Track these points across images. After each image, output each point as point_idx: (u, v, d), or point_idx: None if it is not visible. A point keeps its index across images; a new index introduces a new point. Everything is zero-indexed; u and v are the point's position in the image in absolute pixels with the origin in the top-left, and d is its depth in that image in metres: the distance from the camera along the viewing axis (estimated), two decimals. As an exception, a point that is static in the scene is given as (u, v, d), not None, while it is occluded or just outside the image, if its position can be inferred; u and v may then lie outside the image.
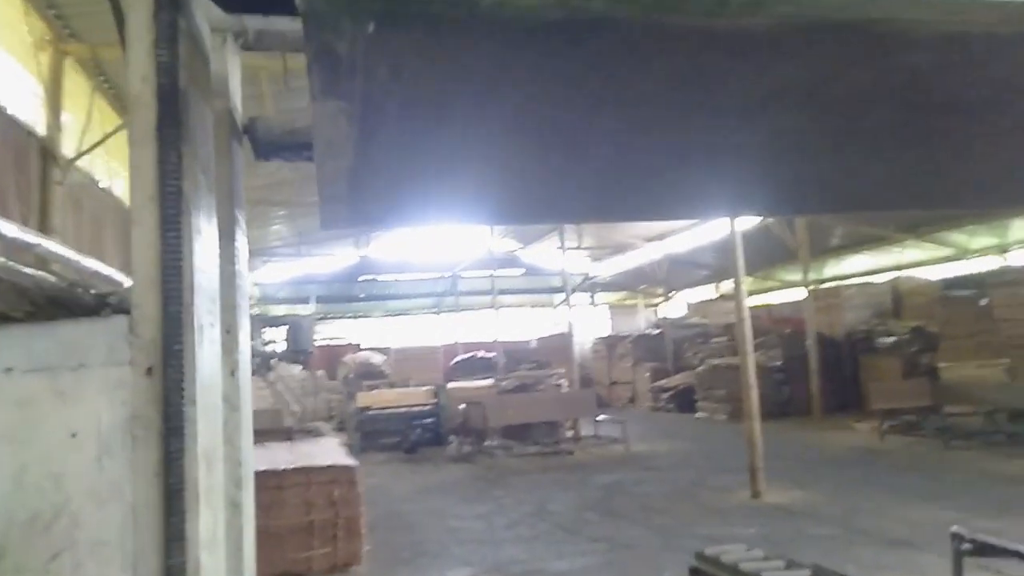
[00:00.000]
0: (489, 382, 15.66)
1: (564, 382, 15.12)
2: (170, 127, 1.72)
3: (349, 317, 27.04)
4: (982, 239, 15.90)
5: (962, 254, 16.45)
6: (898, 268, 17.72)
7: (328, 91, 1.43)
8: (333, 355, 21.10)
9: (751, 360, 9.17)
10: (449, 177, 2.08)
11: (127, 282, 7.68)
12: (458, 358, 20.37)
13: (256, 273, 23.47)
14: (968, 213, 14.35)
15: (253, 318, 20.53)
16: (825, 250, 18.77)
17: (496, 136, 1.74)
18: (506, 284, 26.06)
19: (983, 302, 12.64)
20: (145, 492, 1.59)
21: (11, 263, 5.87)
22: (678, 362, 20.12)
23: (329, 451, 7.61)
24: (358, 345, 23.20)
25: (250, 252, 15.24)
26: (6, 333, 1.62)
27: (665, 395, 19.09)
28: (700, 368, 17.62)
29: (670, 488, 9.54)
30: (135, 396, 1.62)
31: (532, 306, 27.62)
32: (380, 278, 26.78)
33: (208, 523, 1.68)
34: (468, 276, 24.71)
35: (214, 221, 2.03)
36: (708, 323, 20.77)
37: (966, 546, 4.36)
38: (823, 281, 19.07)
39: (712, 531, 7.10)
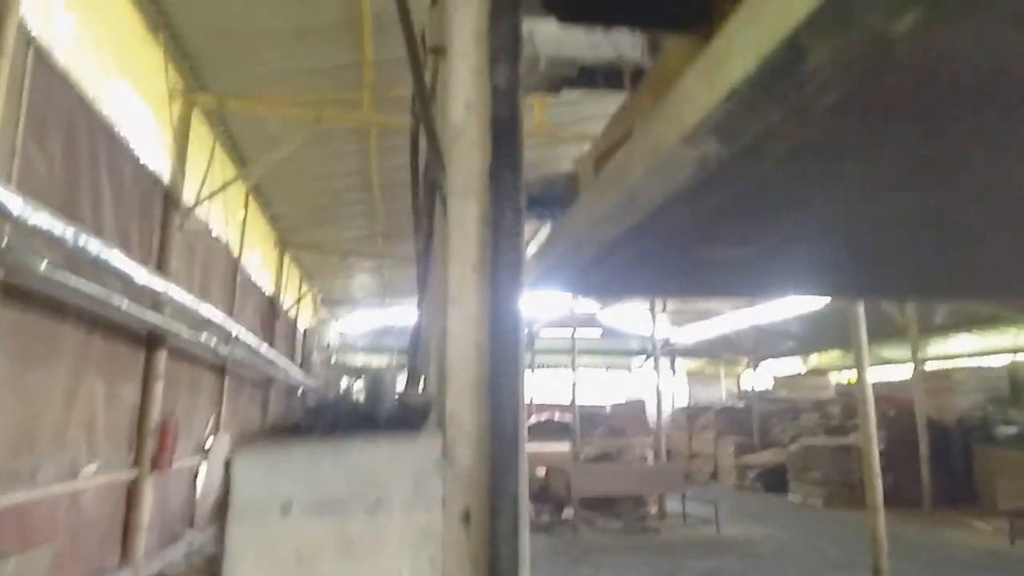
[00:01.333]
0: (565, 446, 15.10)
1: (649, 453, 14.43)
2: (507, 172, 1.32)
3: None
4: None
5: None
6: (1014, 351, 16.47)
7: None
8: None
9: (875, 444, 8.41)
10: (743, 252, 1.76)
11: (236, 330, 7.66)
12: (533, 419, 19.87)
13: (339, 322, 23.74)
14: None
15: (332, 367, 20.68)
16: (930, 328, 17.67)
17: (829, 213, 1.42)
18: (583, 344, 25.61)
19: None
20: None
21: (133, 304, 5.86)
22: (765, 438, 19.08)
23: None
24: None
25: (336, 302, 15.35)
26: (286, 458, 1.18)
27: (752, 473, 18.03)
28: (792, 446, 16.60)
29: (779, 583, 8.76)
30: (446, 552, 1.15)
31: (608, 368, 26.95)
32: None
33: None
34: (546, 335, 24.30)
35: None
36: (797, 398, 19.74)
37: None
38: (926, 360, 17.90)
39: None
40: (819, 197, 1.35)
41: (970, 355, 17.82)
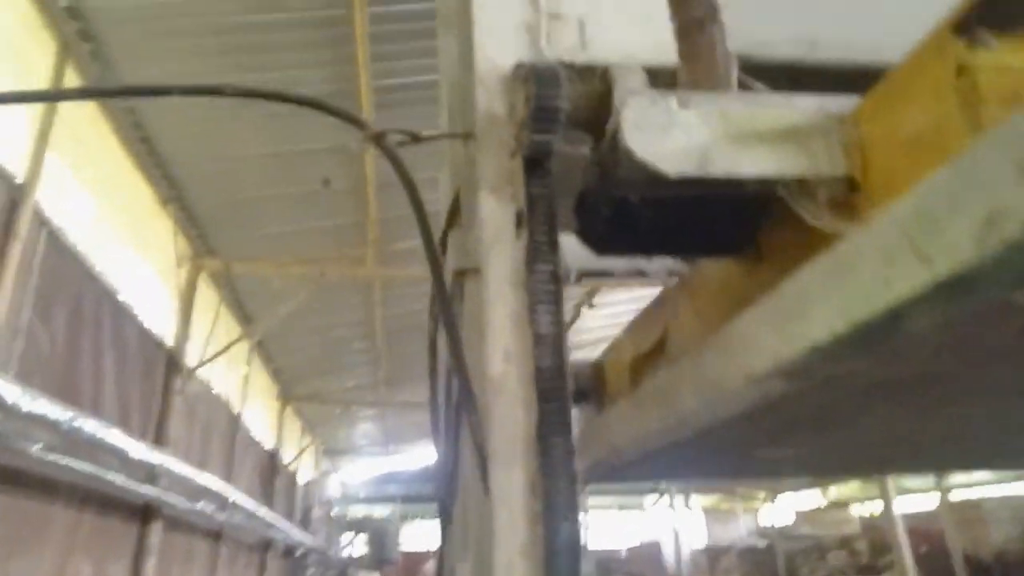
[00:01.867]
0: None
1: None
2: (558, 435, 1.16)
3: (425, 518, 25.76)
4: None
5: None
6: (1042, 477, 15.86)
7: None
8: (414, 563, 19.82)
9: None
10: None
11: (234, 496, 7.35)
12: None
13: (341, 472, 23.03)
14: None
15: (333, 521, 19.83)
16: (951, 455, 17.10)
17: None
18: (593, 486, 24.71)
19: None
20: None
21: (128, 480, 5.62)
22: (792, 580, 17.99)
23: None
24: (433, 552, 21.82)
25: (338, 451, 14.90)
26: None
27: (782, 621, 16.85)
28: (822, 590, 15.62)
29: None
30: None
31: (620, 508, 25.86)
32: (458, 475, 25.82)
33: None
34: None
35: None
36: (821, 534, 18.81)
37: None
38: (951, 488, 17.21)
39: None
40: (883, 415, 1.26)
41: (996, 482, 17.14)
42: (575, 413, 2.11)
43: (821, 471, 2.38)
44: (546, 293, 1.32)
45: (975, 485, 17.39)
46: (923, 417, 1.46)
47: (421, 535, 24.23)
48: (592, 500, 24.31)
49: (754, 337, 0.99)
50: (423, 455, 24.55)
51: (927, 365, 0.98)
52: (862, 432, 1.61)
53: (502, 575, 1.10)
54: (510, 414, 1.26)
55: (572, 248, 1.64)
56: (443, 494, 2.21)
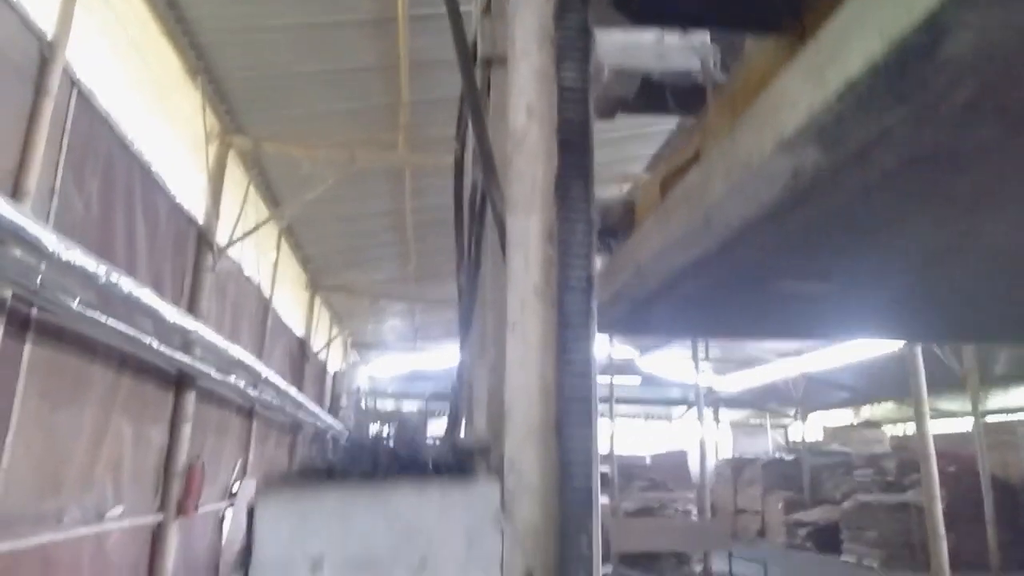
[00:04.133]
0: (605, 500, 14.53)
1: (692, 508, 13.80)
2: (577, 183, 1.14)
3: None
4: None
5: None
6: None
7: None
8: (442, 457, 20.53)
9: (938, 503, 7.84)
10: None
11: (266, 373, 7.55)
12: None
13: (369, 366, 23.65)
14: None
15: (362, 412, 20.53)
16: (991, 378, 16.78)
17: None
18: (622, 393, 24.98)
19: None
20: None
21: (163, 345, 5.78)
22: (816, 493, 18.18)
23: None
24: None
25: (366, 345, 15.21)
26: (318, 506, 0.97)
27: (802, 531, 17.13)
28: (846, 504, 15.75)
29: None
30: None
31: (647, 418, 26.24)
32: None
33: None
34: (583, 383, 23.79)
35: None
36: (850, 451, 18.84)
37: None
38: (987, 413, 16.96)
39: None
40: (920, 219, 1.13)
41: (1033, 408, 16.84)
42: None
43: (851, 326, 2.23)
44: (574, 46, 1.22)
45: (1012, 410, 17.13)
46: (964, 246, 1.29)
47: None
48: (619, 408, 24.69)
49: (788, 91, 0.91)
50: (451, 354, 24.99)
51: (956, 128, 0.85)
52: (894, 275, 1.46)
53: (516, 313, 1.13)
54: (530, 165, 1.22)
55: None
56: (454, 392, 2.17)
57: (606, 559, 12.05)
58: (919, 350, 8.63)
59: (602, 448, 20.63)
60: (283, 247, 11.34)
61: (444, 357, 25.35)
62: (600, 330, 1.94)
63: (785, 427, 25.13)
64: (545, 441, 1.02)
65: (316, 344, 15.29)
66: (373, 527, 0.96)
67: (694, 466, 20.79)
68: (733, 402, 25.48)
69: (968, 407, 15.34)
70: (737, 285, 1.47)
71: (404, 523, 0.97)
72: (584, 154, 1.16)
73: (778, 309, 1.71)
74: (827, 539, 16.08)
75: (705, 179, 1.12)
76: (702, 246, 1.16)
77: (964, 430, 16.16)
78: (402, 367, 24.87)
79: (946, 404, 18.13)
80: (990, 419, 16.54)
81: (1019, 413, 16.96)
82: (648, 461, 22.49)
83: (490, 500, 1.00)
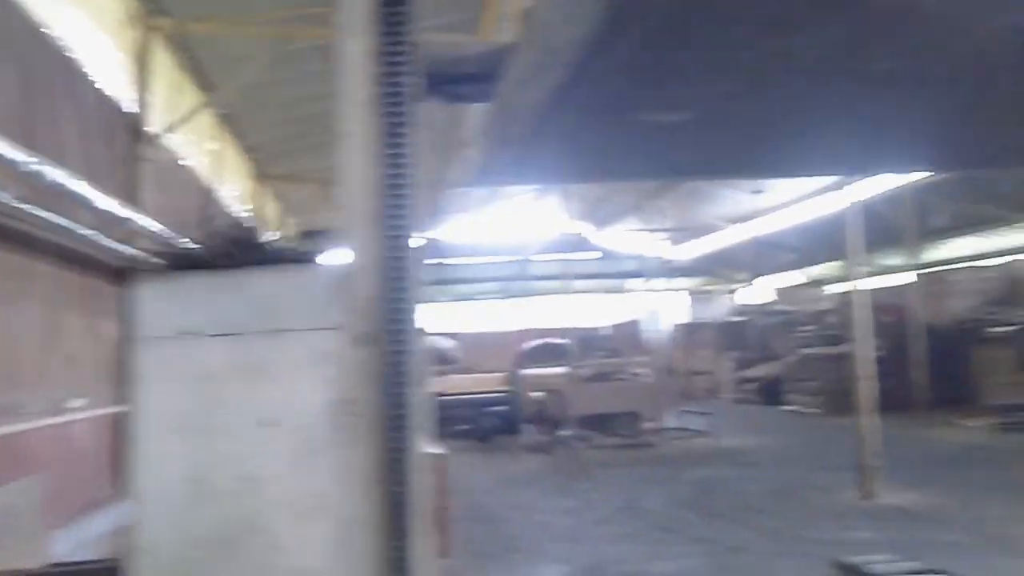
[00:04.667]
0: (563, 369, 15.17)
1: (645, 371, 14.51)
2: (396, 4, 1.29)
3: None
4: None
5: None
6: (1012, 252, 16.28)
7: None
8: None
9: (863, 350, 8.41)
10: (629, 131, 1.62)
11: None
12: (529, 344, 19.93)
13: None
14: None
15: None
16: (930, 231, 17.46)
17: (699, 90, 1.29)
18: (579, 268, 25.42)
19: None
20: (358, 504, 1.16)
21: (105, 239, 5.74)
22: (764, 351, 19.18)
23: (413, 438, 7.40)
24: (425, 329, 22.89)
25: (317, 236, 14.99)
26: (185, 285, 1.25)
27: (750, 386, 18.22)
28: (789, 358, 16.71)
29: (770, 487, 8.88)
30: (345, 373, 1.18)
31: (606, 291, 26.95)
32: (448, 262, 26.62)
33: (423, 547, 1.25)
34: (539, 260, 24.19)
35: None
36: (796, 310, 19.72)
37: None
38: (926, 266, 17.76)
39: (827, 535, 6.47)
40: (754, 40, 1.20)
41: (969, 258, 17.65)
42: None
43: (721, 162, 2.33)
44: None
45: (948, 262, 17.96)
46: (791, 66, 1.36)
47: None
48: (578, 284, 25.27)
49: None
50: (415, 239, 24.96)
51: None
52: (754, 103, 1.52)
53: (346, 125, 1.29)
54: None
55: None
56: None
57: (565, 422, 12.76)
58: (860, 208, 8.93)
59: (561, 322, 21.28)
60: (225, 137, 11.01)
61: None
62: (489, 178, 2.05)
63: (737, 292, 26.08)
64: (375, 225, 1.21)
65: (267, 237, 15.12)
66: (236, 303, 1.20)
67: (650, 333, 21.66)
68: (687, 270, 26.16)
69: (907, 261, 16.07)
70: (599, 122, 1.55)
71: (261, 299, 1.22)
72: None
73: (645, 145, 1.80)
74: (772, 392, 17.17)
75: (538, 5, 1.19)
76: (552, 75, 1.25)
77: (903, 282, 16.97)
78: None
79: (889, 260, 18.91)
80: (930, 272, 17.39)
81: (955, 264, 17.81)
82: (607, 332, 23.33)
83: (330, 277, 1.23)
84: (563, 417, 12.75)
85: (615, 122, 1.55)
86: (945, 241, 17.90)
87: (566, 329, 19.20)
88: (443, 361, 17.97)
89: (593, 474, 10.09)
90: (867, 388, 8.19)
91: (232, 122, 11.31)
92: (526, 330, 23.01)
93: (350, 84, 1.27)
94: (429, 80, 1.92)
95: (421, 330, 1.25)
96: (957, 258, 17.62)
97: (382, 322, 1.18)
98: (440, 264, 26.63)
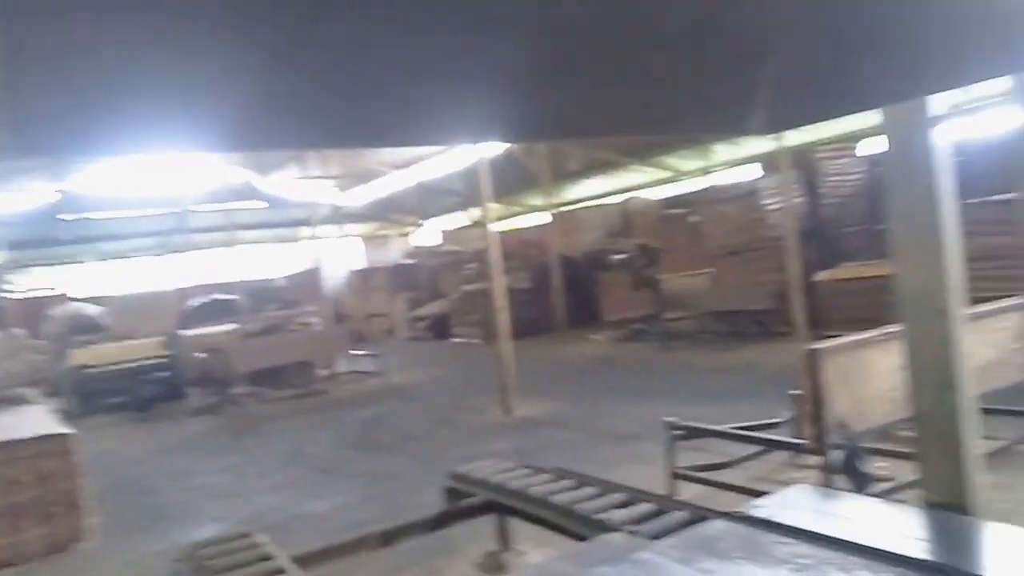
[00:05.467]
0: (233, 326, 14.55)
1: (316, 320, 14.55)
2: None
3: (50, 264, 23.11)
4: (692, 162, 17.91)
5: (677, 176, 18.44)
6: (627, 190, 19.37)
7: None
8: (35, 309, 18.16)
9: (499, 284, 9.47)
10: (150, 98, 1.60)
11: None
12: (193, 303, 18.58)
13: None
14: (680, 139, 16.02)
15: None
16: (564, 175, 19.92)
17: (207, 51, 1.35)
18: (245, 218, 24.14)
19: (693, 219, 14.31)
20: None
21: None
22: (434, 291, 20.38)
23: (34, 420, 6.61)
24: (66, 296, 20.02)
25: None
26: None
27: (422, 324, 19.30)
28: (454, 295, 18.02)
29: (428, 415, 9.66)
30: None
31: (277, 241, 26.05)
32: (90, 216, 23.30)
33: None
34: (200, 211, 22.41)
35: None
36: (462, 250, 21.21)
37: (677, 432, 4.93)
38: (564, 205, 20.28)
39: (470, 451, 7.27)
40: None
41: (597, 197, 20.57)
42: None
43: (340, 136, 2.40)
44: None
45: (582, 200, 20.72)
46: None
47: (38, 281, 21.94)
48: (246, 235, 24.07)
49: None
50: (31, 194, 21.40)
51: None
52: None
53: None
54: None
55: None
56: None
57: (234, 380, 12.33)
58: (487, 157, 9.88)
59: (230, 276, 20.13)
60: None
61: (33, 196, 21.58)
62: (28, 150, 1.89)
63: (409, 235, 27.14)
64: None
65: None
66: None
67: (325, 281, 21.61)
68: (359, 216, 26.44)
69: (546, 202, 18.18)
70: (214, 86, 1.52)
71: None
72: None
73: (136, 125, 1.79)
74: (442, 328, 18.44)
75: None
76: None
77: (545, 221, 19.18)
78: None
79: (534, 200, 21.21)
80: (567, 210, 19.90)
81: (586, 202, 20.61)
82: (281, 283, 22.71)
83: None
84: (231, 376, 12.32)
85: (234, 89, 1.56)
86: (576, 183, 20.60)
87: (236, 283, 18.24)
88: (89, 330, 16.03)
89: (261, 429, 9.98)
90: (503, 317, 9.27)
91: None
92: (189, 288, 21.34)
93: None
94: None
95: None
96: (586, 197, 20.43)
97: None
98: (82, 219, 23.24)
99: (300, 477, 7.27)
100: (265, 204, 25.22)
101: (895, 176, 2.63)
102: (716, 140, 15.82)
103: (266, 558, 3.17)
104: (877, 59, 1.85)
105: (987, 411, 4.98)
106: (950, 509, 2.50)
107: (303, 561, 3.36)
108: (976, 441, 2.58)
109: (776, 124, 2.46)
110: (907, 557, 2.02)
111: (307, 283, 20.36)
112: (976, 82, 2.31)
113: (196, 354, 13.05)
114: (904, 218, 2.60)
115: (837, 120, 12.79)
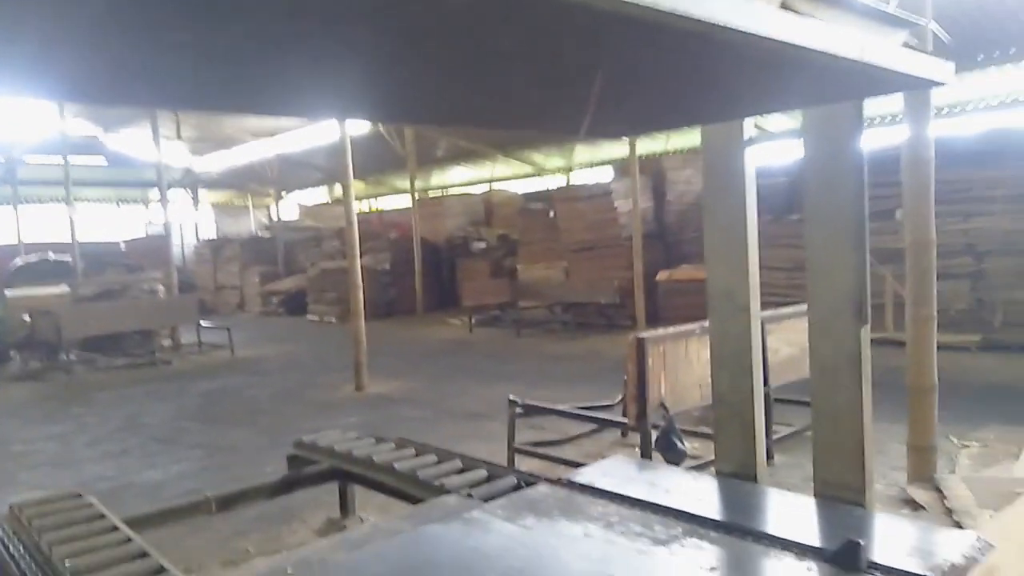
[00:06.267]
0: (64, 288, 13.46)
1: (160, 287, 13.77)
2: None
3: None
4: (554, 160, 18.60)
5: (540, 172, 19.08)
6: (490, 181, 19.79)
7: None
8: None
9: (358, 263, 9.48)
10: None
11: None
12: (19, 261, 16.95)
13: None
14: (545, 136, 16.61)
15: None
16: (431, 160, 20.01)
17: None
18: (85, 175, 22.23)
19: (551, 214, 14.91)
20: None
21: None
22: (290, 266, 19.82)
23: None
24: None
25: None
26: None
27: (276, 299, 18.73)
28: (311, 272, 17.63)
29: (277, 390, 9.52)
30: None
31: (120, 202, 24.16)
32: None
33: None
34: (33, 163, 20.37)
35: None
36: (321, 227, 20.76)
37: (518, 410, 5.28)
38: (429, 190, 20.39)
39: (317, 424, 7.26)
40: None
41: (462, 185, 20.85)
42: None
43: (211, 99, 2.32)
44: None
45: (447, 186, 20.92)
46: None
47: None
48: (84, 192, 22.20)
49: None
50: None
51: None
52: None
53: None
54: None
55: None
56: None
57: (64, 346, 11.46)
58: (354, 135, 9.82)
59: (65, 235, 18.47)
60: None
61: None
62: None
63: (267, 207, 26.10)
64: None
65: None
66: None
67: (172, 248, 20.38)
68: (213, 183, 25.09)
69: (411, 185, 18.18)
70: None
71: None
72: None
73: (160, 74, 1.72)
74: (296, 304, 18.00)
75: None
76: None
77: (409, 204, 19.19)
78: None
79: (400, 182, 21.14)
80: (433, 195, 20.02)
81: (451, 189, 20.84)
82: (123, 246, 21.20)
83: None
84: (60, 341, 11.44)
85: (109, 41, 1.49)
86: (442, 170, 20.77)
87: (71, 244, 16.75)
88: None
89: (93, 398, 9.39)
90: (357, 297, 9.29)
91: None
92: (16, 245, 19.41)
93: None
94: None
95: None
96: (451, 184, 20.67)
97: None
98: None
99: (134, 447, 6.97)
100: (106, 162, 23.29)
101: (711, 188, 3.04)
102: (577, 141, 16.54)
103: (96, 518, 3.13)
104: (695, 83, 2.16)
105: (784, 401, 5.76)
106: (740, 477, 2.93)
107: (134, 524, 3.33)
108: (763, 420, 3.03)
109: (603, 131, 2.70)
110: (700, 516, 2.39)
111: (152, 248, 19.14)
112: (780, 111, 2.73)
113: (21, 316, 11.99)
114: (716, 225, 3.01)
115: (685, 132, 13.80)
